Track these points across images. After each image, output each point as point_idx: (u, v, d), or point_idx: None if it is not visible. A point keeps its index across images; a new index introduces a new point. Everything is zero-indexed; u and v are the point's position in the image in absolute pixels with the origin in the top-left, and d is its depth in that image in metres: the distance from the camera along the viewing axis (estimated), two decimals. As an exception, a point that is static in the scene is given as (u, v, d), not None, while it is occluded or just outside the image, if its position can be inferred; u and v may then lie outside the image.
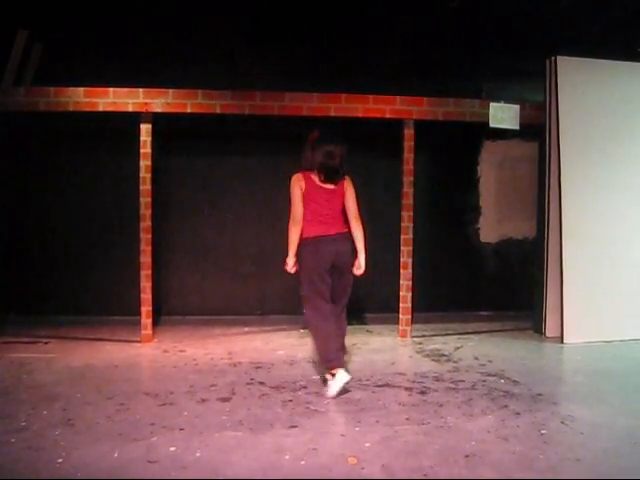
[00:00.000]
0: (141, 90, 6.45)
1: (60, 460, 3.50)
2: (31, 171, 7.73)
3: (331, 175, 4.97)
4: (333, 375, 4.81)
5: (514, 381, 5.22)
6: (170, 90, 6.50)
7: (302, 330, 7.06)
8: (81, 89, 6.40)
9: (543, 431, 4.05)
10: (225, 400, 4.67)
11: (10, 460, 3.50)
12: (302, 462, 3.53)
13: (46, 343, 6.53)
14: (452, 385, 5.11)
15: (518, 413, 4.40)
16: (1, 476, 3.30)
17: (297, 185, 4.97)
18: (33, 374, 5.35)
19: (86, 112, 6.44)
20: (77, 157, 7.76)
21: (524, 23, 7.27)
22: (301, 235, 4.98)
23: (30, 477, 3.29)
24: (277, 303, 8.07)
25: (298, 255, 5.01)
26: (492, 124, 6.85)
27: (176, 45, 7.38)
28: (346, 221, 5.09)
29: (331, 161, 4.93)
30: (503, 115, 6.83)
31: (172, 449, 3.71)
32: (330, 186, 5.00)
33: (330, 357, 4.86)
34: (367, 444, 3.81)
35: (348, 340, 6.79)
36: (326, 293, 4.96)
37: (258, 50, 7.57)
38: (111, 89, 6.39)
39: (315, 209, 4.97)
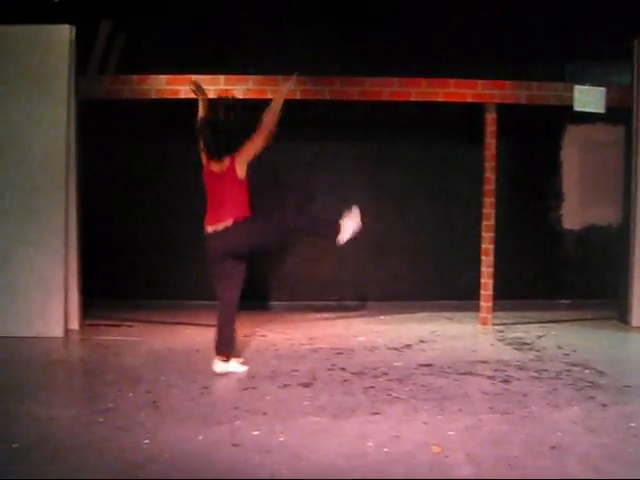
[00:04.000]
0: (222, 77, 6.51)
1: (147, 441, 3.58)
2: (117, 157, 7.88)
3: (210, 151, 4.66)
4: (224, 361, 5.01)
5: (599, 372, 5.09)
6: (250, 77, 6.55)
7: (382, 317, 7.09)
8: (163, 77, 6.54)
9: (632, 424, 3.93)
10: (306, 385, 4.71)
11: (99, 439, 3.61)
12: (385, 449, 3.52)
13: (130, 326, 6.72)
14: (536, 374, 5.02)
15: (605, 405, 4.29)
16: (91, 454, 3.41)
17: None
18: (118, 356, 5.52)
19: (168, 99, 6.56)
20: (162, 145, 7.90)
21: (609, 1, 7.04)
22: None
23: (117, 457, 3.38)
24: (352, 289, 8.09)
25: None
26: (577, 107, 6.65)
27: (254, 33, 7.42)
28: (244, 205, 4.75)
29: (207, 134, 4.64)
30: (588, 98, 6.63)
31: (255, 433, 3.74)
32: (216, 168, 4.70)
33: (217, 344, 5.03)
34: (450, 432, 3.77)
35: (427, 327, 6.78)
36: (218, 285, 5.01)
37: (334, 35, 7.53)
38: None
39: (208, 194, 4.79)
